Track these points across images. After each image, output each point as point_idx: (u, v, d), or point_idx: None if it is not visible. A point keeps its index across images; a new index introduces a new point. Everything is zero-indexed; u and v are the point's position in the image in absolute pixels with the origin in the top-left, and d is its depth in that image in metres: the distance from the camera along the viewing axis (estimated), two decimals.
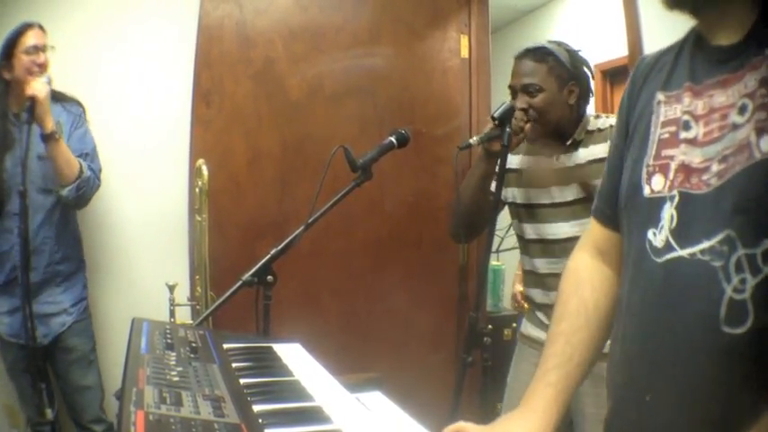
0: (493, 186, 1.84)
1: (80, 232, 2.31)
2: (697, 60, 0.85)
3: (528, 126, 1.70)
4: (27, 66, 2.03)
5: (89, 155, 2.16)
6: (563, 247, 1.73)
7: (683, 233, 0.79)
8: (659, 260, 0.81)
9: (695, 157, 0.80)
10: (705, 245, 0.76)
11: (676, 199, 0.81)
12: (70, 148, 2.08)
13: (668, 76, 0.89)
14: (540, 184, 1.79)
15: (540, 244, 1.80)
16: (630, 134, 0.94)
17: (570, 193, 1.74)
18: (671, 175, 0.83)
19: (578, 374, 0.96)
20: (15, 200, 2.01)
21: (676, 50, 0.91)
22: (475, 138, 1.68)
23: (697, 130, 0.81)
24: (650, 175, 0.86)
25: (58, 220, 2.14)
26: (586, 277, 1.02)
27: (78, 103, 2.22)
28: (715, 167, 0.77)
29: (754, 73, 0.75)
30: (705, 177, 0.78)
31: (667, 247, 0.80)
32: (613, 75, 3.93)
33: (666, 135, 0.86)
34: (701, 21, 0.84)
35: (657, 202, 0.83)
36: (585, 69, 1.81)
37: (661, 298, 0.81)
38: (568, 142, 1.75)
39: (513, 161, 1.85)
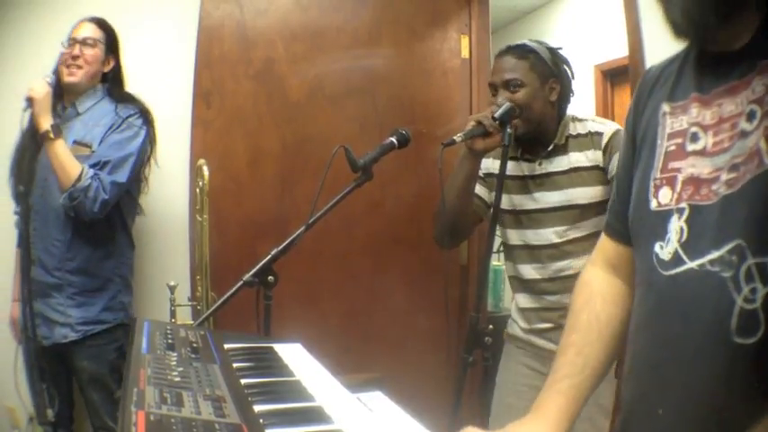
0: (479, 190, 1.83)
1: (123, 253, 2.16)
2: (703, 69, 0.84)
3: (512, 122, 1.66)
4: (63, 57, 2.02)
5: (109, 163, 1.98)
6: (549, 254, 1.73)
7: (692, 245, 0.78)
8: (666, 273, 0.80)
9: (704, 168, 0.79)
10: (714, 255, 0.75)
11: (686, 212, 0.79)
12: (96, 153, 1.99)
13: (673, 87, 0.88)
14: (524, 190, 1.78)
15: (526, 250, 1.78)
16: (638, 148, 0.93)
17: (554, 199, 1.72)
18: (678, 188, 0.81)
19: (589, 385, 0.95)
20: (34, 192, 1.99)
21: (681, 59, 0.89)
22: (460, 134, 1.63)
23: (706, 141, 0.80)
24: (657, 189, 0.85)
25: (74, 227, 2.00)
26: (597, 290, 1.01)
27: (137, 107, 2.09)
28: (724, 176, 0.75)
29: (761, 77, 0.74)
30: (714, 187, 0.76)
31: (676, 260, 0.79)
32: (613, 75, 3.93)
33: (673, 147, 0.84)
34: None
35: (664, 215, 0.82)
36: (566, 68, 1.79)
37: (669, 311, 0.80)
38: (550, 147, 1.74)
39: (497, 166, 1.82)
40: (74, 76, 2.02)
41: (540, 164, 1.76)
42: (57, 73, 2.02)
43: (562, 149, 1.73)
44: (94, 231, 2.04)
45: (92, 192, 1.92)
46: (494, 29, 2.82)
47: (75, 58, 2.01)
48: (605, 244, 1.04)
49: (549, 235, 1.73)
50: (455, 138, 1.62)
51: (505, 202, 1.80)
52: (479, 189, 1.84)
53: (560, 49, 1.81)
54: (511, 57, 1.74)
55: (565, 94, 1.77)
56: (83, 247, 2.03)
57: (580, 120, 1.76)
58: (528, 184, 1.77)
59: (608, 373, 0.99)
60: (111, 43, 2.10)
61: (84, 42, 2.02)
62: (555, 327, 1.72)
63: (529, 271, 1.78)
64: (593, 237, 1.66)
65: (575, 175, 1.71)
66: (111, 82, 2.12)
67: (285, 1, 2.50)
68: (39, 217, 2.00)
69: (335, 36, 2.55)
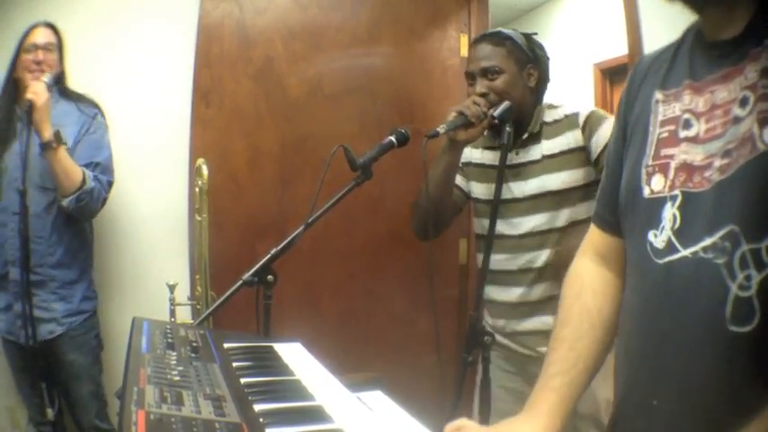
0: (457, 179, 1.81)
1: (90, 243, 2.22)
2: (696, 57, 0.83)
3: (490, 111, 1.63)
4: (26, 64, 2.05)
5: (100, 165, 2.08)
6: (518, 243, 1.71)
7: (685, 232, 0.77)
8: (660, 261, 0.80)
9: (697, 155, 0.78)
10: (707, 242, 0.74)
11: (679, 199, 0.79)
12: (77, 155, 2.03)
13: (666, 75, 0.88)
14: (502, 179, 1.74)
15: (497, 240, 1.71)
16: (629, 135, 0.93)
17: (528, 188, 1.70)
18: (671, 175, 0.81)
19: (583, 381, 0.95)
20: (11, 196, 2.00)
21: (674, 49, 0.89)
22: (442, 126, 1.60)
23: (698, 128, 0.79)
24: (650, 176, 0.84)
25: (53, 222, 2.06)
26: (588, 282, 1.01)
27: (95, 106, 2.16)
28: (717, 163, 0.75)
29: (754, 64, 0.73)
30: (707, 174, 0.76)
31: (669, 248, 0.79)
32: (613, 74, 3.94)
33: (666, 134, 0.84)
34: (703, 16, 0.83)
35: (657, 203, 0.82)
36: (543, 54, 1.77)
37: (663, 300, 0.79)
38: (525, 136, 1.71)
39: (475, 155, 1.82)
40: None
41: (516, 153, 1.73)
42: (20, 78, 2.05)
43: (536, 138, 1.71)
44: (70, 224, 2.11)
45: (96, 193, 2.04)
46: (493, 28, 2.81)
47: (38, 63, 2.05)
48: (594, 235, 1.03)
49: (521, 225, 1.71)
50: (438, 129, 1.59)
51: (483, 191, 1.79)
52: (457, 178, 1.81)
53: (535, 34, 1.78)
54: (487, 44, 1.71)
55: (543, 79, 1.75)
56: (61, 241, 2.09)
57: (555, 106, 1.74)
58: (505, 173, 1.71)
59: (600, 367, 0.98)
60: (61, 47, 2.14)
61: (45, 48, 2.07)
62: (522, 332, 1.74)
63: (498, 262, 1.74)
64: (569, 228, 1.65)
65: (547, 162, 1.68)
66: (61, 82, 2.16)
67: (284, 0, 2.50)
68: (14, 218, 2.01)
69: (335, 35, 2.55)
